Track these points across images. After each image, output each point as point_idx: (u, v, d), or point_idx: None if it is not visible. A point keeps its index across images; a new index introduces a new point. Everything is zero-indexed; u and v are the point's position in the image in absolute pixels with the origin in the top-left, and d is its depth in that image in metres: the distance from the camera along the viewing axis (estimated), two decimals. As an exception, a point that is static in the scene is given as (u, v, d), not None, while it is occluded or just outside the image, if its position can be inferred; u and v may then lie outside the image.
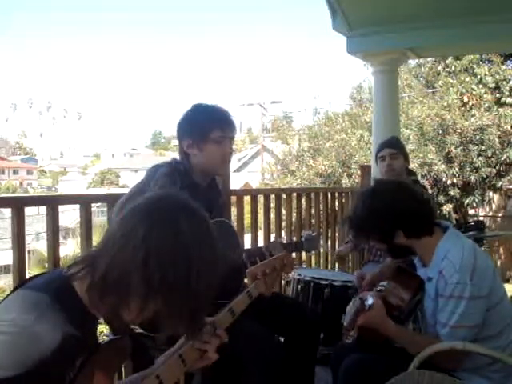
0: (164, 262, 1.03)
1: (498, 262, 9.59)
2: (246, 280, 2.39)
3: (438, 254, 1.76)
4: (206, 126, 2.04)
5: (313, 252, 3.68)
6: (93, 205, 2.64)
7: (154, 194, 1.17)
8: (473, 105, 9.36)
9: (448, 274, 1.67)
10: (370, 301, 1.83)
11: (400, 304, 1.85)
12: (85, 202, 2.33)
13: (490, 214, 10.18)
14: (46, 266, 2.42)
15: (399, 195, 1.82)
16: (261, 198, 3.58)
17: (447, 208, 8.97)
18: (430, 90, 10.89)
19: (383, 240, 1.85)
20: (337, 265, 4.07)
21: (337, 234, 4.38)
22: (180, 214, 1.09)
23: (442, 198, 8.97)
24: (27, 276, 2.12)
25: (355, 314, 1.87)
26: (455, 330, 1.66)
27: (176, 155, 2.20)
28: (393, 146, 3.23)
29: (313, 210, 4.08)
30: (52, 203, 2.17)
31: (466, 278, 1.64)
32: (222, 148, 2.07)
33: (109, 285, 1.03)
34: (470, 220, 8.87)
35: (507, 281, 9.28)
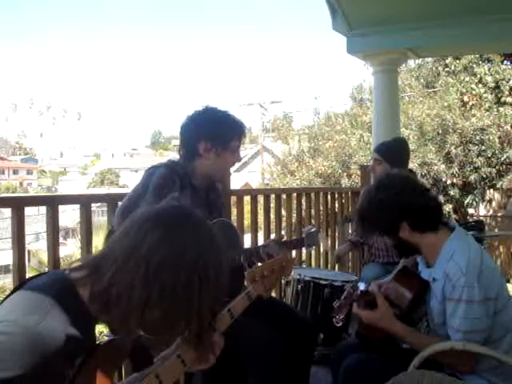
0: (165, 279, 1.02)
1: (498, 262, 9.57)
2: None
3: (444, 255, 1.74)
4: (229, 135, 2.06)
5: (313, 247, 3.68)
6: (93, 205, 2.63)
7: (159, 206, 1.13)
8: (473, 105, 9.36)
9: (455, 277, 1.66)
10: (362, 287, 1.86)
11: (400, 302, 1.85)
12: (85, 202, 2.33)
13: (490, 213, 10.16)
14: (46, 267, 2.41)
15: (406, 188, 1.82)
16: (261, 198, 3.58)
17: (447, 208, 8.97)
18: (430, 90, 10.89)
19: (388, 232, 1.83)
20: (337, 265, 4.07)
21: (337, 234, 4.39)
22: (186, 229, 1.07)
23: (441, 198, 8.96)
24: (27, 276, 2.12)
25: (344, 298, 1.90)
26: (468, 335, 1.65)
27: (176, 155, 2.19)
28: (379, 152, 3.28)
29: (313, 211, 4.09)
30: (52, 203, 2.17)
31: (473, 281, 1.63)
32: (234, 157, 2.10)
33: (110, 299, 1.03)
34: (470, 220, 8.86)
35: (507, 281, 9.27)
